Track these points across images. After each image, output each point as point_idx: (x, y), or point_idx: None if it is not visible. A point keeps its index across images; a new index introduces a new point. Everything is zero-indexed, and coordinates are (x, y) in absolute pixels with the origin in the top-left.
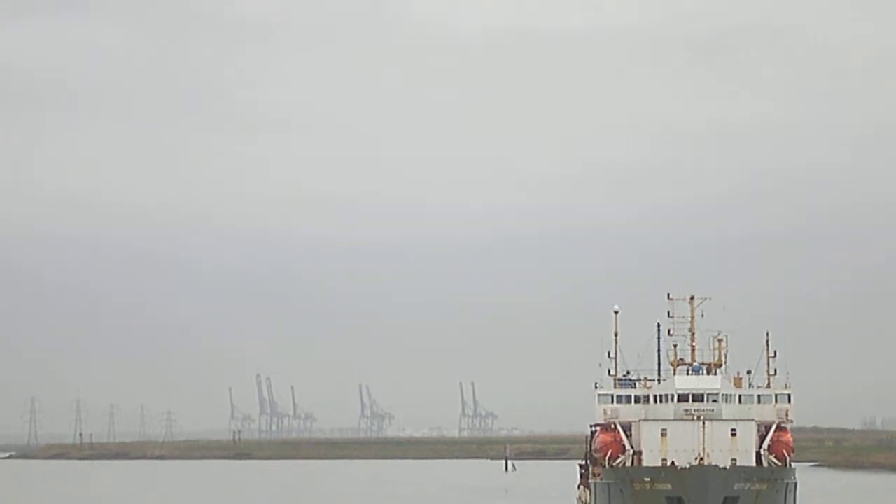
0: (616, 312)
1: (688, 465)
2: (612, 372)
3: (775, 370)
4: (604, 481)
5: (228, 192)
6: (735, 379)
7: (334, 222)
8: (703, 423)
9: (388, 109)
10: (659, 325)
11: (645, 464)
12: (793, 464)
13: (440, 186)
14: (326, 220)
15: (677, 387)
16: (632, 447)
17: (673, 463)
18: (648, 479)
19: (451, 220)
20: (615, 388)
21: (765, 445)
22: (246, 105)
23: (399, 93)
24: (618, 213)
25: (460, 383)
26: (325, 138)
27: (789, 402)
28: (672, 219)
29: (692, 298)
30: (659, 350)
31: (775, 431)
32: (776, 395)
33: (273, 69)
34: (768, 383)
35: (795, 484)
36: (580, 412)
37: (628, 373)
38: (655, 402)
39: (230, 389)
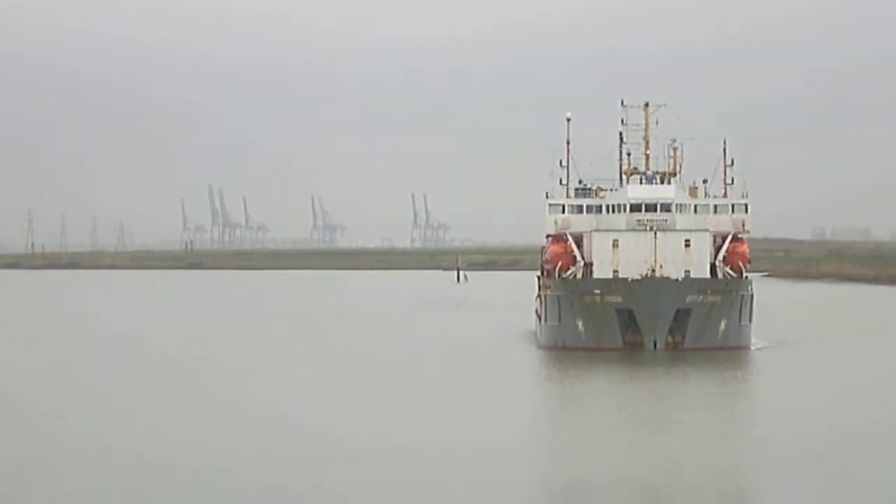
0: (568, 120)
1: (639, 277)
2: (564, 181)
3: (732, 179)
4: (554, 293)
5: None
6: (690, 188)
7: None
8: (656, 234)
9: None
10: (621, 134)
11: (596, 276)
12: (747, 275)
13: None
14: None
15: (629, 196)
16: (583, 258)
17: (625, 276)
18: (598, 292)
19: (403, 23)
20: (567, 197)
21: (720, 257)
22: None
23: None
24: (570, 15)
25: (412, 194)
26: None
27: (746, 212)
28: (623, 22)
29: (647, 105)
30: (620, 160)
31: (731, 242)
32: (733, 205)
33: None
34: (725, 192)
35: (752, 296)
36: (533, 223)
37: (580, 182)
38: (607, 212)
39: (182, 200)
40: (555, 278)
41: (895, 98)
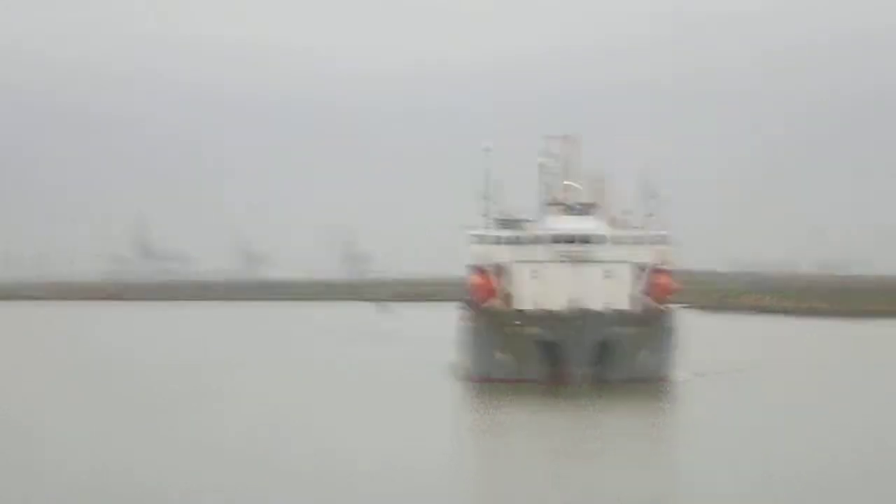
0: (487, 150)
1: (560, 309)
2: (485, 212)
3: (653, 212)
4: (475, 325)
5: None
6: (612, 219)
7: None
8: (577, 266)
9: None
10: (541, 165)
11: (516, 307)
12: (671, 306)
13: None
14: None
15: (550, 227)
16: (504, 290)
17: (546, 307)
18: (519, 323)
19: (321, 47)
20: (488, 228)
21: (642, 288)
22: None
23: None
24: (497, 51)
25: (338, 226)
26: None
27: (668, 243)
28: (550, 62)
29: (566, 137)
30: (554, 191)
31: (653, 274)
32: (655, 237)
33: None
34: (646, 225)
35: (674, 327)
36: (457, 254)
37: (500, 213)
38: (529, 243)
39: (105, 231)
40: (475, 310)
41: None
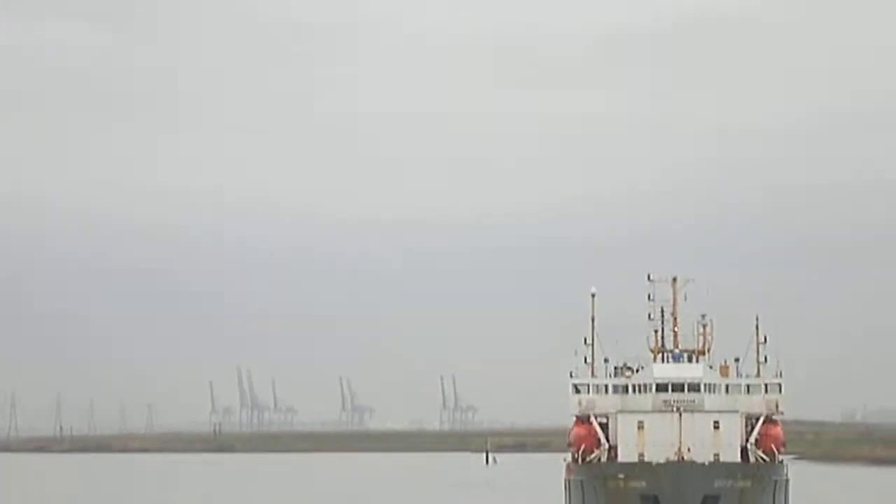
0: (593, 295)
1: (664, 461)
2: (589, 359)
3: (765, 357)
4: (577, 478)
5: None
6: (722, 367)
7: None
8: (681, 415)
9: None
10: (663, 311)
11: (620, 459)
12: (783, 459)
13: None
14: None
15: (655, 376)
16: (608, 441)
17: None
18: (622, 477)
19: (431, 205)
20: (593, 376)
21: (752, 439)
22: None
23: None
24: (590, 195)
25: (441, 376)
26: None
27: (780, 392)
28: (645, 201)
29: (674, 280)
30: (657, 337)
31: (763, 424)
32: (766, 385)
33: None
34: (758, 372)
35: (786, 480)
36: (561, 403)
37: (606, 360)
38: (633, 392)
39: (210, 383)
40: (578, 462)
41: None
